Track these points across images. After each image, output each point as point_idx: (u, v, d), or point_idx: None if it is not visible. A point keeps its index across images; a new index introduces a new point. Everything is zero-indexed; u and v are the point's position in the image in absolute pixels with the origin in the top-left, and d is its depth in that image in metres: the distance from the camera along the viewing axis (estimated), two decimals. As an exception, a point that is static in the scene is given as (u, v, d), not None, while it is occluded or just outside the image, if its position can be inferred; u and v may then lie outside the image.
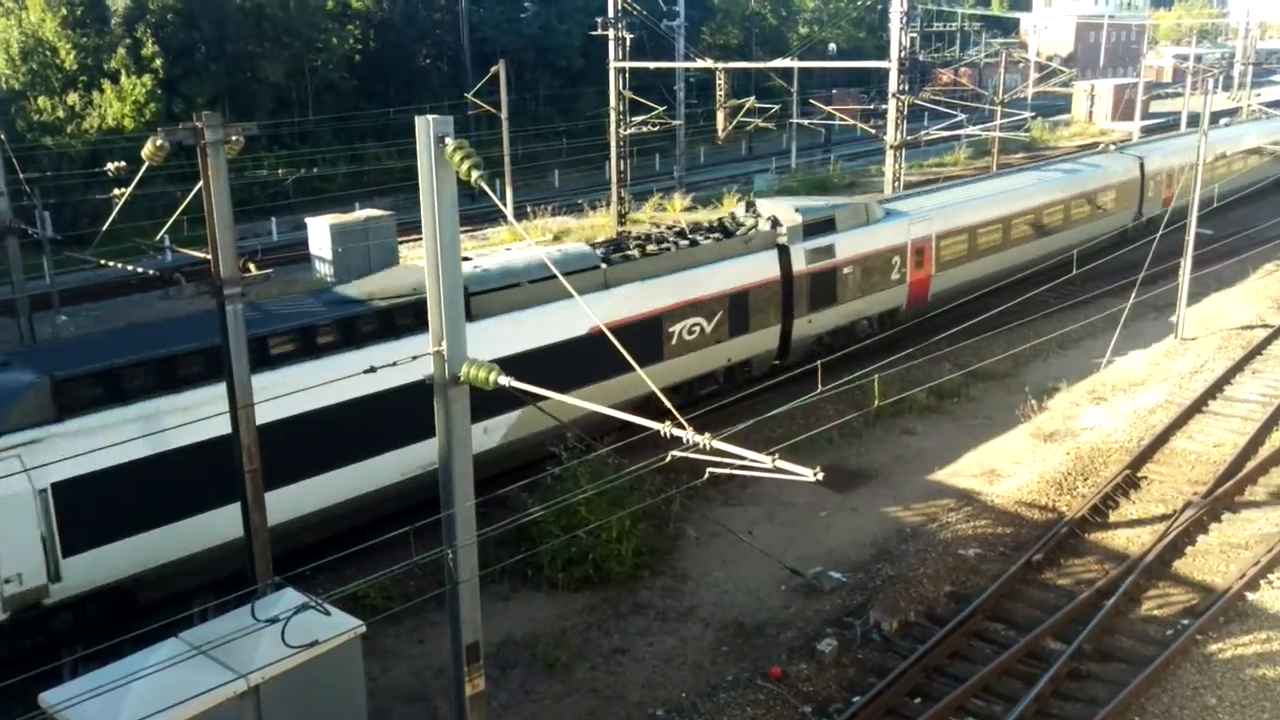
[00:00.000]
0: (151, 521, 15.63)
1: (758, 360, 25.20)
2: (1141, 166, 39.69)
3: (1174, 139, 47.50)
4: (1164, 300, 30.99)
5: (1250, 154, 47.96)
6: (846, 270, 26.77)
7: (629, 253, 23.10)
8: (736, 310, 24.06)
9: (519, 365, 17.66)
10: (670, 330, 22.77)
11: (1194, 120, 50.02)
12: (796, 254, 25.46)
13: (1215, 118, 47.97)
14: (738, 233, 25.22)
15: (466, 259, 19.65)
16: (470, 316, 17.76)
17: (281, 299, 20.75)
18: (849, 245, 26.78)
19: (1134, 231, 38.24)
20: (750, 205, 26.91)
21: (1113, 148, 41.48)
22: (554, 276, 19.25)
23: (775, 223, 25.56)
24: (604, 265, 21.91)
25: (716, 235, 25.05)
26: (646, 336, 22.02)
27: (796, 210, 26.03)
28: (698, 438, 9.26)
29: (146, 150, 12.57)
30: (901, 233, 28.61)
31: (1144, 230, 36.77)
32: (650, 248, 23.55)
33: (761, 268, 24.74)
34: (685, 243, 24.29)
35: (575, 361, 20.23)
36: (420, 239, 11.00)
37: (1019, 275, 32.23)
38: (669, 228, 26.44)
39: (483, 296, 19.72)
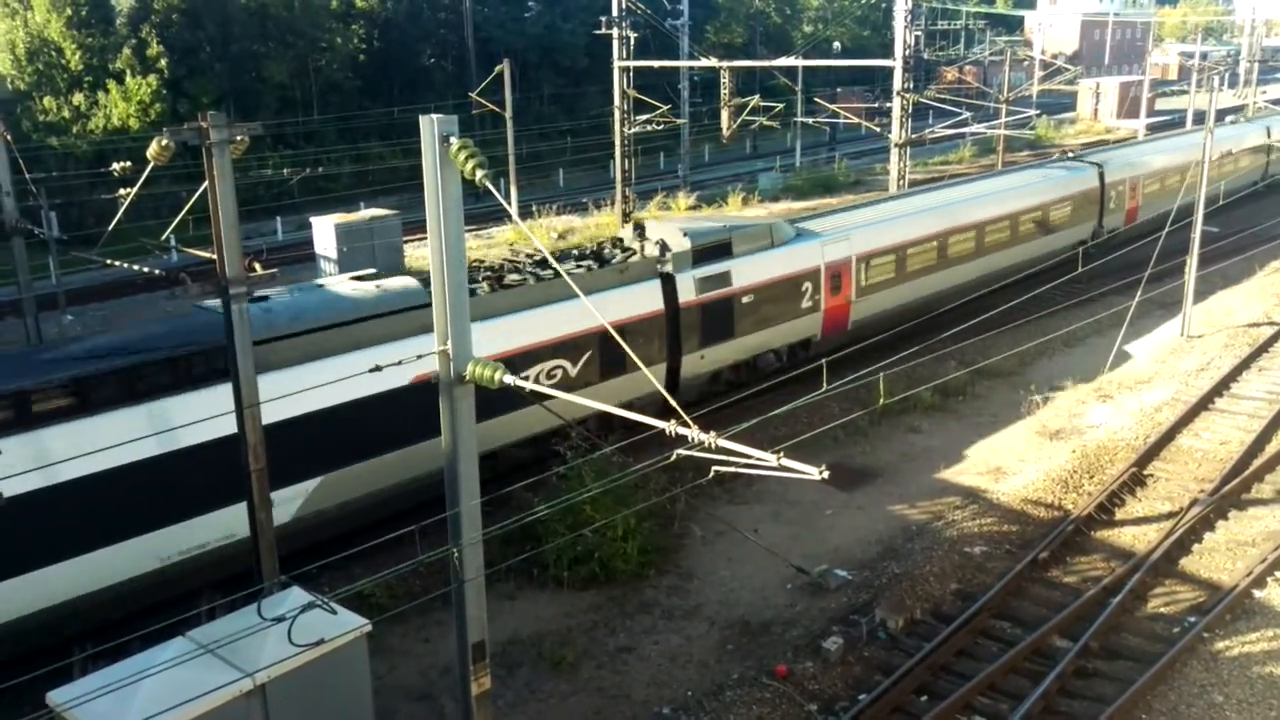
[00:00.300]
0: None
1: (638, 403, 21.54)
2: (1101, 176, 37.02)
3: (1140, 144, 45.06)
4: (1170, 298, 30.93)
5: (1225, 159, 45.71)
6: (746, 299, 24.12)
7: (473, 286, 20.39)
8: (609, 349, 20.73)
9: (325, 422, 16.73)
10: (523, 376, 19.63)
11: (1199, 118, 49.52)
12: (684, 283, 22.92)
13: (1221, 116, 47.35)
14: (614, 261, 22.74)
15: (263, 298, 17.46)
16: (268, 365, 15.45)
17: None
18: (749, 271, 24.22)
19: (1094, 247, 35.75)
20: (639, 229, 24.18)
21: (1070, 155, 38.84)
22: (371, 317, 17.79)
23: (664, 248, 23.07)
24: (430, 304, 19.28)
25: (590, 264, 22.57)
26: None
27: (685, 234, 23.44)
28: (703, 436, 9.26)
29: (152, 150, 12.58)
30: (814, 255, 25.87)
31: (1107, 246, 34.73)
32: (510, 279, 21.14)
33: (640, 300, 22.13)
34: (547, 273, 21.54)
35: (399, 417, 17.91)
36: (425, 238, 11.01)
37: (963, 299, 29.19)
38: (528, 255, 23.62)
39: (283, 343, 16.93)
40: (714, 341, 23.73)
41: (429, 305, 16.33)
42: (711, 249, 23.75)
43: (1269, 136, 50.74)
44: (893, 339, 26.71)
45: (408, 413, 17.75)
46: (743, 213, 47.78)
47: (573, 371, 20.93)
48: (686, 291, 22.97)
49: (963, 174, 45.90)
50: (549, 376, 20.49)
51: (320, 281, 19.83)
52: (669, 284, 22.81)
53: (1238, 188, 44.44)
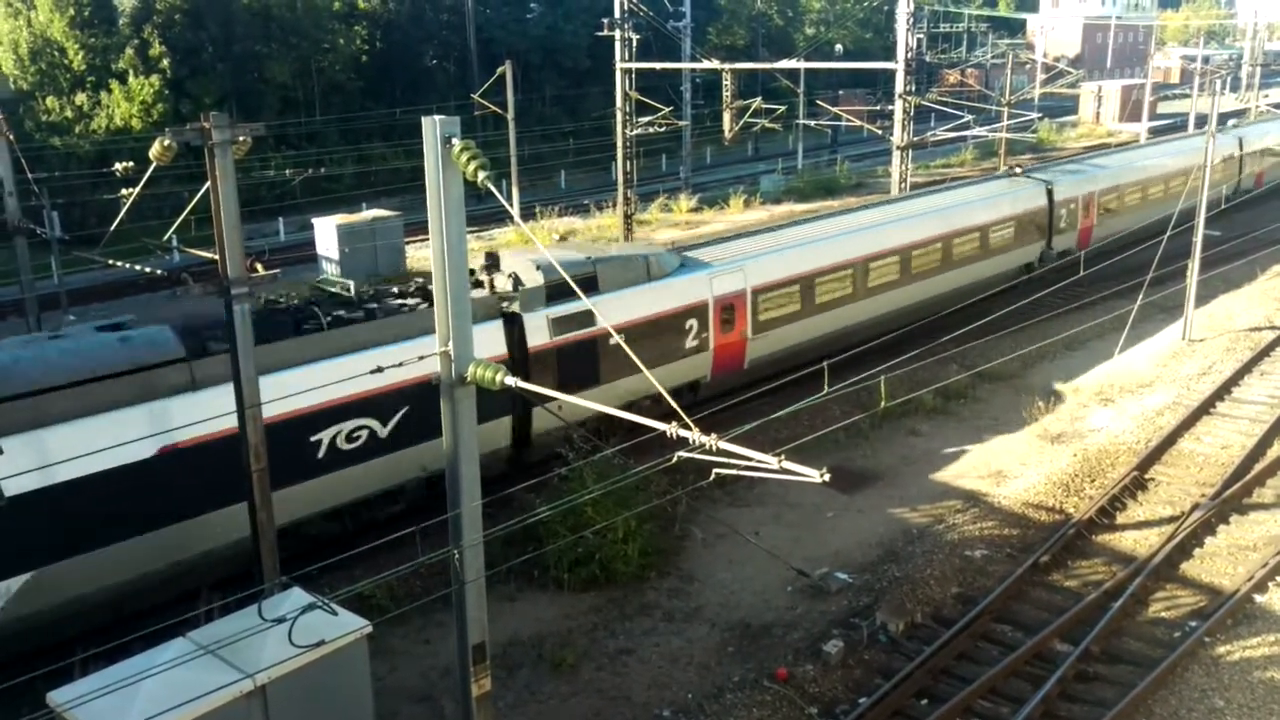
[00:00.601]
0: None
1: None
2: (1050, 193, 34.24)
3: (1104, 156, 41.70)
4: (1172, 301, 30.91)
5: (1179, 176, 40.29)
6: (615, 340, 21.83)
7: (273, 337, 17.27)
8: (430, 405, 18.49)
9: (37, 506, 14.09)
10: (316, 439, 17.16)
11: (1201, 121, 48.98)
12: (534, 324, 20.17)
13: (1223, 119, 46.63)
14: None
15: None
16: None
17: None
18: (619, 308, 21.25)
19: (1044, 268, 33.54)
20: (491, 260, 21.21)
21: (1018, 170, 35.66)
22: (102, 378, 14.88)
23: (517, 282, 20.51)
24: (189, 360, 15.98)
25: (413, 302, 19.57)
26: (279, 448, 15.40)
27: (539, 267, 20.62)
28: (704, 438, 9.26)
29: (154, 150, 12.61)
30: (700, 288, 23.08)
31: (1066, 269, 32.38)
32: (314, 321, 18.10)
33: (476, 345, 19.37)
34: (354, 315, 18.53)
35: (147, 494, 15.31)
36: (427, 239, 11.02)
37: (888, 332, 26.19)
38: (333, 294, 19.89)
39: None
40: (575, 390, 20.14)
41: (183, 360, 15.74)
42: (570, 284, 21.62)
43: (1240, 148, 46.88)
44: (895, 340, 26.68)
45: (165, 487, 15.34)
46: (745, 215, 47.81)
47: (382, 432, 17.96)
48: (537, 333, 20.25)
49: (922, 186, 40.55)
50: (350, 439, 17.57)
51: (55, 333, 16.66)
52: (514, 325, 20.03)
53: (1186, 211, 39.99)
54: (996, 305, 28.43)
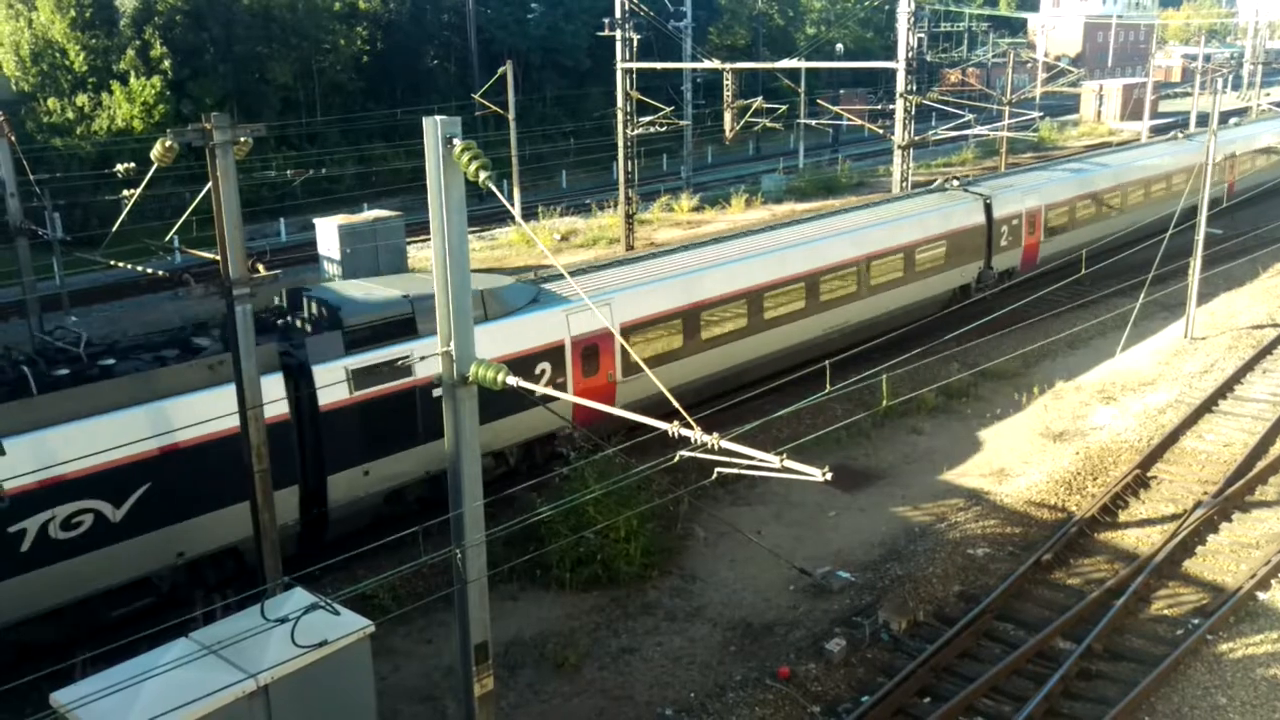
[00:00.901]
0: None
1: (248, 550, 15.90)
2: (988, 209, 31.21)
3: (1047, 168, 37.85)
4: (1174, 299, 30.91)
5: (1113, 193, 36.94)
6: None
7: None
8: (185, 476, 15.53)
9: None
10: (17, 532, 14.28)
11: (1203, 120, 48.31)
12: (327, 377, 17.08)
13: (1224, 117, 45.86)
14: (209, 349, 16.66)
15: None
16: None
17: None
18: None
19: (984, 292, 30.78)
20: (293, 299, 18.65)
21: (954, 183, 32.97)
22: None
23: (316, 325, 17.92)
24: None
25: (171, 355, 16.57)
26: None
27: (337, 308, 17.94)
28: (706, 438, 9.27)
29: (155, 151, 12.62)
30: (555, 327, 20.27)
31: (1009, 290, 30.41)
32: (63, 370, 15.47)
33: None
34: (89, 372, 15.64)
35: None
36: (428, 239, 11.03)
37: (796, 369, 23.46)
38: (71, 342, 16.51)
39: None
40: (386, 452, 18.05)
41: None
42: (380, 327, 18.08)
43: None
44: (898, 339, 26.66)
45: None
46: (747, 215, 47.78)
47: (115, 515, 15.07)
48: (331, 388, 17.15)
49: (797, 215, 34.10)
50: (68, 527, 14.65)
51: None
52: (298, 379, 17.05)
53: (1147, 226, 35.84)
54: (997, 305, 28.40)
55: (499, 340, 19.12)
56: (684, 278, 22.99)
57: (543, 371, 20.10)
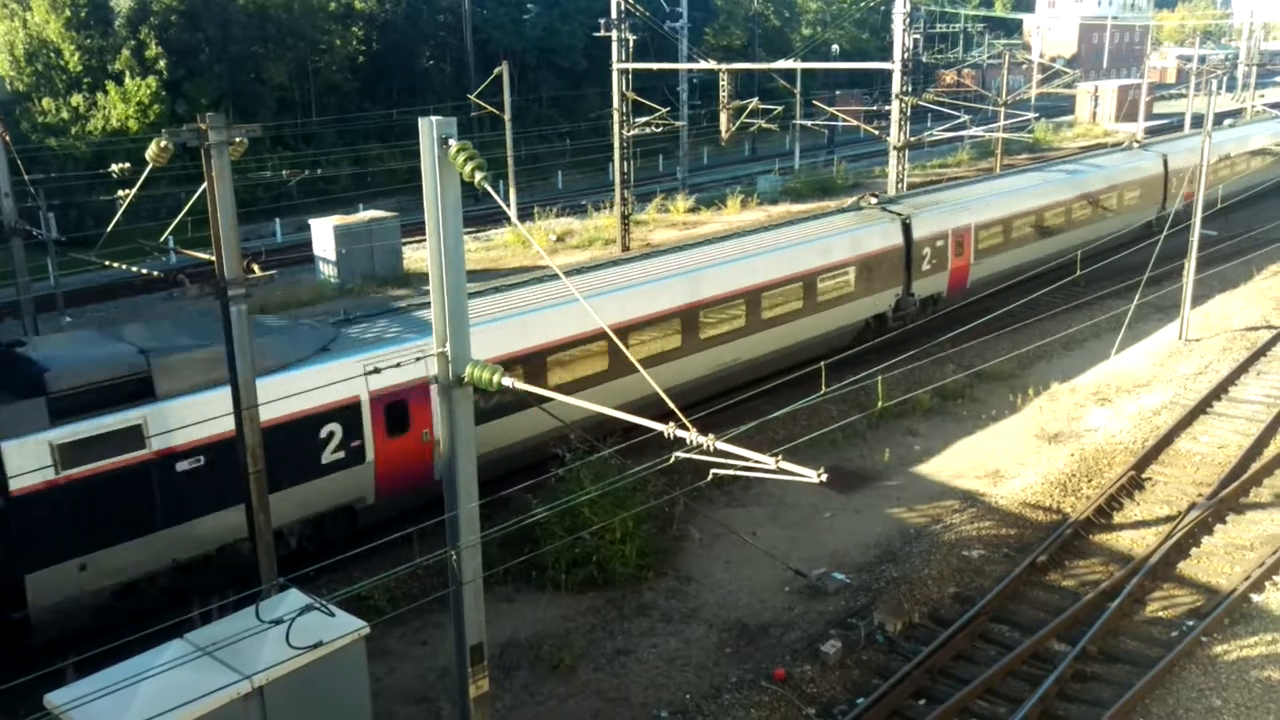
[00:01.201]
0: None
1: None
2: (907, 229, 28.20)
3: (980, 183, 34.85)
4: (1168, 301, 30.96)
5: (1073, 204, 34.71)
6: (189, 465, 15.61)
7: None
8: None
9: None
10: None
11: (1197, 121, 48.03)
12: (23, 456, 14.38)
13: (1218, 119, 45.58)
14: None
15: None
16: None
17: None
18: (194, 419, 15.51)
19: (904, 325, 28.40)
20: (6, 354, 15.72)
21: (871, 201, 29.77)
22: None
23: (14, 393, 14.81)
24: None
25: None
26: None
27: (48, 370, 14.93)
28: (701, 439, 9.26)
29: (150, 152, 12.61)
30: (349, 381, 17.13)
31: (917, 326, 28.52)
32: None
33: None
34: None
35: None
36: (424, 240, 11.01)
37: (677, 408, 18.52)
38: None
39: None
40: (111, 541, 15.18)
41: None
42: (104, 389, 15.10)
43: (1165, 167, 39.57)
44: (893, 340, 26.69)
45: None
46: (742, 215, 47.78)
47: None
48: (28, 471, 14.40)
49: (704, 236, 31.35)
50: None
51: None
52: None
53: (1097, 244, 34.11)
54: (994, 305, 28.40)
55: (277, 396, 15.42)
56: (526, 316, 20.05)
57: (331, 435, 17.14)
